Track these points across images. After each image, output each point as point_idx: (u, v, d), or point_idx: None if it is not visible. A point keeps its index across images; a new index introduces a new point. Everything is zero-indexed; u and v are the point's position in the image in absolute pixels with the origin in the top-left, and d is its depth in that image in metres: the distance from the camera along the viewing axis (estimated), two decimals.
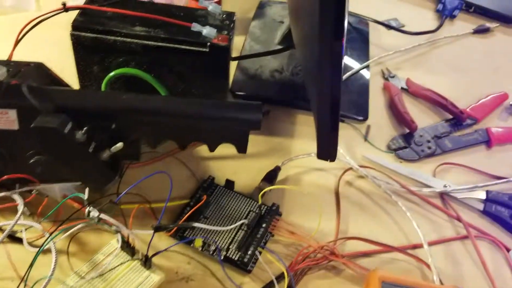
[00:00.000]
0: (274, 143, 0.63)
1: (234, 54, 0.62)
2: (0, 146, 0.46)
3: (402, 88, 0.74)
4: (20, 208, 0.46)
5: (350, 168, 0.60)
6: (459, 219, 0.56)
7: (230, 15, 0.57)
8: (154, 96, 0.52)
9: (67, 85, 0.54)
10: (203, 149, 0.61)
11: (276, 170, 0.58)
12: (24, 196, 0.48)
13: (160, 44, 0.52)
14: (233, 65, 0.69)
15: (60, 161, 0.46)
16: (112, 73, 0.54)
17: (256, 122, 0.50)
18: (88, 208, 0.43)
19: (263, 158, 0.61)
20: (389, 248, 0.51)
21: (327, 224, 0.54)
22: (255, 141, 0.63)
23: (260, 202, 0.51)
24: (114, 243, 0.47)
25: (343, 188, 0.59)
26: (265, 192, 0.53)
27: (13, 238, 0.47)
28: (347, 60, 0.77)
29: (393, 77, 0.76)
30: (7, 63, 0.51)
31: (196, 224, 0.45)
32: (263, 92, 0.69)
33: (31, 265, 0.41)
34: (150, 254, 0.44)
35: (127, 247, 0.46)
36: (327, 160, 0.50)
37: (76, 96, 0.48)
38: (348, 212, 0.56)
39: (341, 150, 0.63)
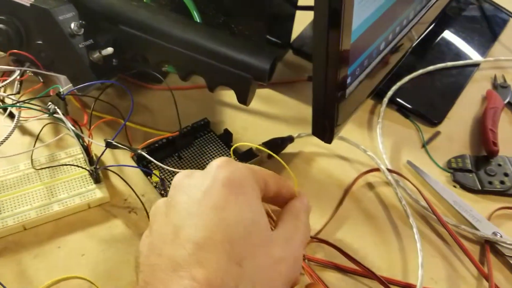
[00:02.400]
0: (308, 113, 0.54)
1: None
2: (16, 18, 0.47)
3: (508, 103, 0.57)
4: (11, 78, 0.48)
5: (378, 169, 0.49)
6: (490, 281, 0.41)
7: None
8: (165, 14, 0.47)
9: None
10: (224, 94, 0.55)
11: (286, 140, 0.49)
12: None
13: None
14: (305, 18, 0.61)
15: (53, 49, 0.45)
16: None
17: (261, 72, 0.42)
18: (50, 98, 0.42)
19: (284, 123, 0.53)
20: (369, 274, 0.40)
21: (314, 218, 0.44)
22: (284, 103, 0.55)
23: (232, 155, 0.44)
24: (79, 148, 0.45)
25: (358, 189, 0.48)
26: (257, 158, 0.46)
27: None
28: (454, 50, 0.62)
29: (505, 87, 0.59)
30: None
31: (144, 153, 0.41)
32: None
33: None
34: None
35: (87, 155, 0.44)
36: (321, 139, 0.40)
37: None
38: (349, 216, 0.45)
39: (381, 145, 0.51)
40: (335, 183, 0.48)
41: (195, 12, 0.51)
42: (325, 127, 0.39)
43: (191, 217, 0.25)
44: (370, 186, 0.48)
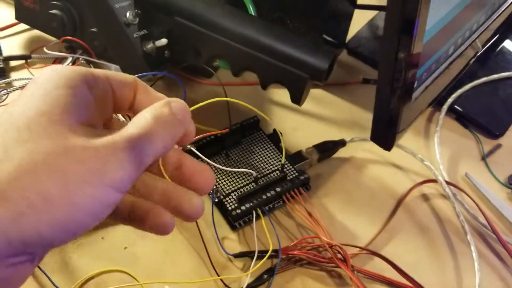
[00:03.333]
0: (361, 116, 0.52)
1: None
2: (71, 4, 0.46)
3: None
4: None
5: (435, 181, 0.46)
6: None
7: None
8: (222, 7, 0.46)
9: None
10: (275, 92, 0.53)
11: (338, 143, 0.47)
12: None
13: None
14: (363, 17, 0.59)
15: (107, 37, 0.44)
16: None
17: (319, 71, 0.41)
18: None
19: (336, 126, 0.51)
20: None
21: (366, 229, 0.42)
22: (341, 105, 0.53)
23: (283, 161, 0.42)
24: None
25: (412, 200, 0.45)
26: (306, 161, 0.44)
27: None
28: None
29: None
30: None
31: (193, 148, 0.40)
32: None
33: None
34: None
35: None
36: (381, 146, 0.38)
37: None
38: (401, 228, 0.43)
39: (438, 155, 0.48)
40: (388, 192, 0.45)
41: (250, 5, 0.49)
42: (386, 133, 0.36)
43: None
44: (425, 197, 0.45)
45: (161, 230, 0.24)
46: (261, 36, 0.42)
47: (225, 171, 0.43)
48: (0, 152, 0.18)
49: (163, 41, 0.43)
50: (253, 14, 0.49)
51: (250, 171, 0.41)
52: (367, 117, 0.52)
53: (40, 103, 0.20)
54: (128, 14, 0.42)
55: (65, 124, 0.20)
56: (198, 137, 0.44)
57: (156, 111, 0.22)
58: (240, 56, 0.44)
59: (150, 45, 0.44)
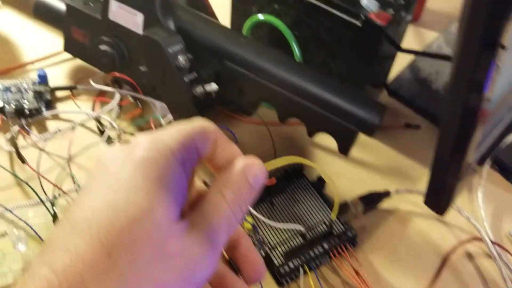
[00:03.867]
0: (404, 164, 0.51)
1: (413, 46, 0.51)
2: (122, 42, 0.46)
3: None
4: (114, 103, 0.47)
5: (480, 239, 0.45)
6: None
7: None
8: (272, 53, 0.45)
9: (212, 15, 0.51)
10: (323, 138, 0.53)
11: (382, 195, 0.46)
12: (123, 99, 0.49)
13: (312, 0, 0.45)
14: (405, 59, 0.58)
15: (157, 79, 0.44)
16: (254, 18, 0.49)
17: (369, 125, 0.40)
18: None
19: (378, 174, 0.50)
20: None
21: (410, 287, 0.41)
22: (383, 151, 0.52)
23: (334, 217, 0.41)
24: None
25: (457, 258, 0.44)
26: (351, 212, 0.44)
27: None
28: None
29: None
30: None
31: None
32: (424, 102, 0.56)
33: None
34: None
35: None
36: (434, 211, 0.37)
37: (199, 24, 0.45)
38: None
39: (483, 212, 0.47)
40: (433, 248, 0.45)
41: (295, 48, 0.49)
42: (441, 200, 0.36)
43: (85, 194, 0.20)
44: (470, 256, 0.45)
45: None
46: (311, 85, 0.42)
47: (270, 224, 0.42)
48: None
49: (214, 86, 0.43)
50: (298, 56, 0.49)
51: (299, 226, 0.40)
52: (410, 165, 0.51)
53: (141, 196, 0.19)
54: (180, 58, 0.42)
55: (166, 226, 0.19)
56: None
57: (235, 189, 0.21)
58: (288, 103, 0.43)
59: (200, 90, 0.43)
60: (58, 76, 0.54)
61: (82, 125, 0.49)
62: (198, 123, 0.22)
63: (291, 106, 0.44)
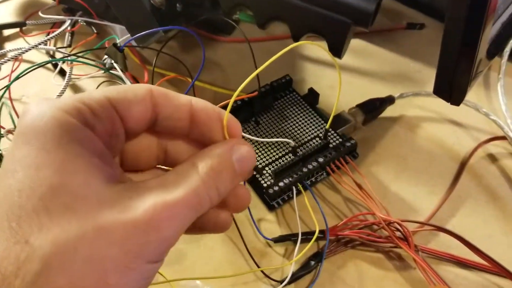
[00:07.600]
0: (408, 68, 0.45)
1: None
2: None
3: None
4: (61, 29, 0.41)
5: (503, 137, 0.39)
6: None
7: None
8: None
9: None
10: (308, 47, 0.46)
11: (385, 101, 0.40)
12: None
13: None
14: None
15: None
16: None
17: (363, 14, 0.34)
18: (106, 50, 0.35)
19: (380, 81, 0.44)
20: (499, 269, 0.32)
21: (426, 200, 0.36)
22: (383, 56, 0.46)
23: (328, 126, 0.35)
24: None
25: (477, 161, 0.38)
26: (349, 124, 0.38)
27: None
28: None
29: None
30: None
31: None
32: None
33: None
34: None
35: None
36: (446, 100, 0.31)
37: None
38: (468, 196, 0.36)
39: (503, 107, 0.41)
40: (448, 154, 0.39)
41: None
42: (455, 84, 0.29)
43: None
44: (493, 158, 0.38)
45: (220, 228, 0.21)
46: None
47: (258, 142, 0.37)
48: (19, 246, 0.14)
49: None
50: None
51: (287, 140, 0.35)
52: (416, 68, 0.45)
53: (49, 173, 0.15)
54: None
55: (90, 196, 0.16)
56: (222, 103, 0.37)
57: (214, 164, 0.18)
58: (267, 3, 0.37)
59: None
60: (5, 15, 0.48)
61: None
62: (122, 86, 0.19)
63: (272, 6, 0.37)
